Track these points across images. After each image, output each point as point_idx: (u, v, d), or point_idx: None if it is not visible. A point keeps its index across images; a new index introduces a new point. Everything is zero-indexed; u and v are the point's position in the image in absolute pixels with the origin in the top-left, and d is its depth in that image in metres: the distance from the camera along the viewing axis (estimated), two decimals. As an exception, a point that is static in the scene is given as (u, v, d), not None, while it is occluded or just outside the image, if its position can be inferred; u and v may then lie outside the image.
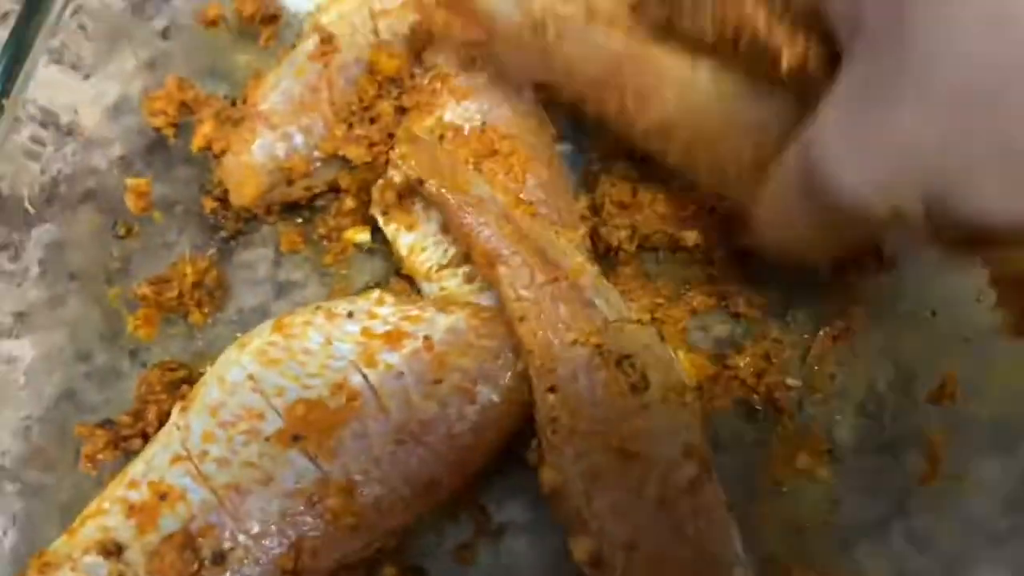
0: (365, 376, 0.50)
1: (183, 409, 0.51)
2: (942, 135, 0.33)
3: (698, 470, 0.48)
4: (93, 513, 0.49)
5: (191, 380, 0.56)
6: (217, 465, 0.49)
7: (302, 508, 0.47)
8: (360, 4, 0.62)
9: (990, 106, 0.32)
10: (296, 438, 0.49)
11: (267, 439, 0.49)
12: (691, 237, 0.57)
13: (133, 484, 0.49)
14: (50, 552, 0.48)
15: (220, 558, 0.47)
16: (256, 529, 0.47)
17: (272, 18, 0.68)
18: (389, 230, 0.57)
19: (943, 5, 0.32)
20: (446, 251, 0.56)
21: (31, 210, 0.59)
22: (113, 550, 0.47)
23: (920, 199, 0.34)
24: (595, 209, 0.59)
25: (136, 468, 0.50)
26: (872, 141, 0.35)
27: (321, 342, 0.52)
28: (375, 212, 0.58)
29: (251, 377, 0.51)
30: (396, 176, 0.55)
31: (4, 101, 0.57)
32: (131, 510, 0.48)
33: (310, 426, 0.49)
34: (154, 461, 0.50)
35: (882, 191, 0.35)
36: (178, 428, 0.51)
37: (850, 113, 0.36)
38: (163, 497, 0.48)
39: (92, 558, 0.47)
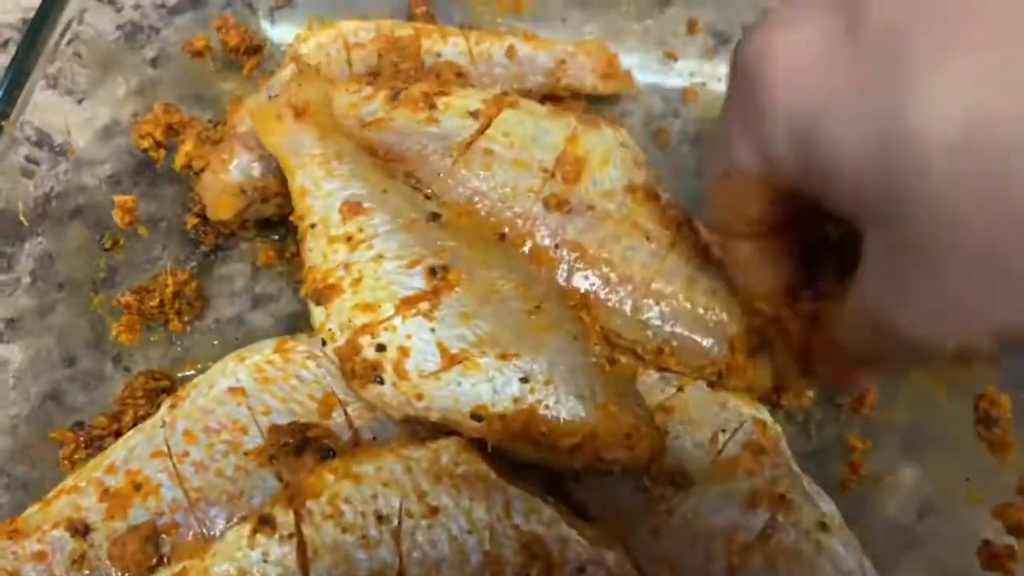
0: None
1: (172, 406, 0.53)
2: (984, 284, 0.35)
3: (769, 512, 0.48)
4: (68, 489, 0.50)
5: (171, 390, 0.58)
6: (195, 468, 0.50)
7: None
8: (335, 37, 0.66)
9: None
10: (272, 458, 0.50)
11: (246, 453, 0.50)
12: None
13: (111, 469, 0.50)
14: (21, 520, 0.49)
15: (178, 558, 0.47)
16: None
17: (256, 49, 0.71)
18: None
19: None
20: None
21: (24, 224, 0.62)
22: (81, 529, 0.48)
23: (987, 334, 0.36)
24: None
25: (117, 454, 0.51)
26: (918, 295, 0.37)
27: (318, 374, 0.53)
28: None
29: (243, 391, 0.53)
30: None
31: (3, 123, 0.60)
32: (105, 494, 0.49)
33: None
34: (135, 451, 0.51)
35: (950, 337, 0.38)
36: (163, 424, 0.52)
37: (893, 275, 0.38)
38: (138, 487, 0.49)
39: (60, 533, 0.48)
